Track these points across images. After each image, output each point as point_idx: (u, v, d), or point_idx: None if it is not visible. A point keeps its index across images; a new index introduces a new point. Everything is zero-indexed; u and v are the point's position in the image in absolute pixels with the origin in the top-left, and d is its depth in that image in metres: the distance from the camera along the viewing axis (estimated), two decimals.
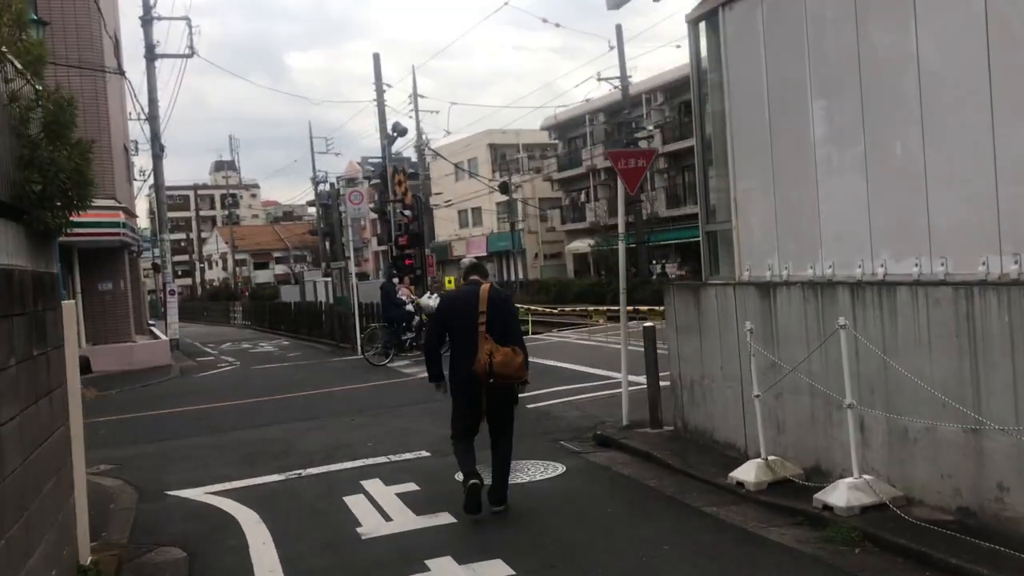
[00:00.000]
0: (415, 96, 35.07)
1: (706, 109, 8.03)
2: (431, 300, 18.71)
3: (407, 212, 21.38)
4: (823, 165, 6.46)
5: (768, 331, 6.90)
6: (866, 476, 5.80)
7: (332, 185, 66.96)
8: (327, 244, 67.91)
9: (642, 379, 10.57)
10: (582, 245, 48.95)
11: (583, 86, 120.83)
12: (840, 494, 5.73)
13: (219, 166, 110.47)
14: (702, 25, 7.89)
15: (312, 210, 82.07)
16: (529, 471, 7.80)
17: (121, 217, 20.12)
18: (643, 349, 9.42)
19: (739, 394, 7.42)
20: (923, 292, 5.45)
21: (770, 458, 6.69)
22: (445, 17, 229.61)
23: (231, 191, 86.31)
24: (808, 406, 6.59)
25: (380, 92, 25.97)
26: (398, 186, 21.23)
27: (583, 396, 11.48)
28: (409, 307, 18.15)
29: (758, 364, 6.74)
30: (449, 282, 21.00)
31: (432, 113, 56.60)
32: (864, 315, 5.93)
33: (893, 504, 5.54)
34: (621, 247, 9.28)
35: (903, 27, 5.57)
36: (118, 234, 20.16)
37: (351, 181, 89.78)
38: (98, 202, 19.29)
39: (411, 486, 7.52)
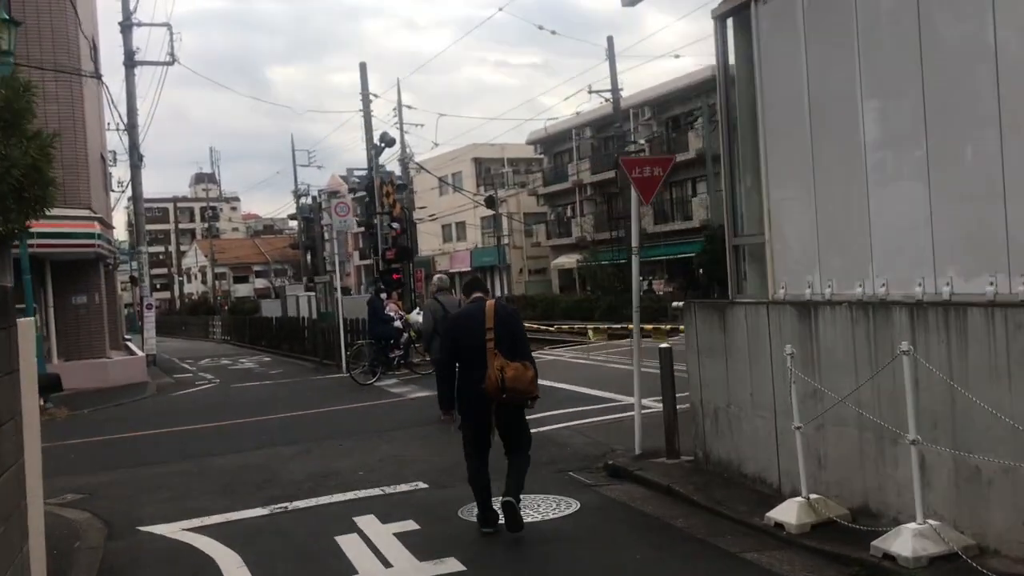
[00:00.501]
0: (399, 108, 34.43)
1: (733, 113, 7.39)
2: (420, 316, 18.01)
3: (395, 225, 20.66)
4: (875, 172, 5.83)
5: (808, 355, 6.25)
6: (931, 521, 5.14)
7: (314, 198, 66.21)
8: (308, 258, 67.08)
9: (650, 402, 9.94)
10: (568, 260, 48.38)
11: (573, 99, 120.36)
12: (904, 542, 5.06)
13: (199, 178, 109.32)
14: (730, 21, 7.27)
15: (293, 224, 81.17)
16: (540, 508, 7.09)
17: (96, 228, 19.30)
18: (657, 371, 8.77)
19: (772, 424, 6.76)
20: (1001, 314, 4.81)
21: (812, 497, 6.03)
22: (428, 34, 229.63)
23: (211, 204, 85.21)
24: (855, 439, 5.94)
25: (367, 101, 25.29)
26: (386, 198, 20.51)
27: (587, 420, 10.79)
28: (397, 323, 17.40)
29: (799, 392, 6.08)
30: None
31: (417, 126, 56.01)
32: (926, 339, 5.29)
33: (965, 554, 4.88)
34: (635, 262, 8.62)
35: (978, 14, 4.95)
36: (93, 245, 19.34)
37: (333, 194, 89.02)
38: (72, 212, 18.50)
39: (410, 524, 6.79)
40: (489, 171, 61.92)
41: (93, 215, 19.57)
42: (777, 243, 6.79)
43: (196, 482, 9.10)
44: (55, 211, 19.32)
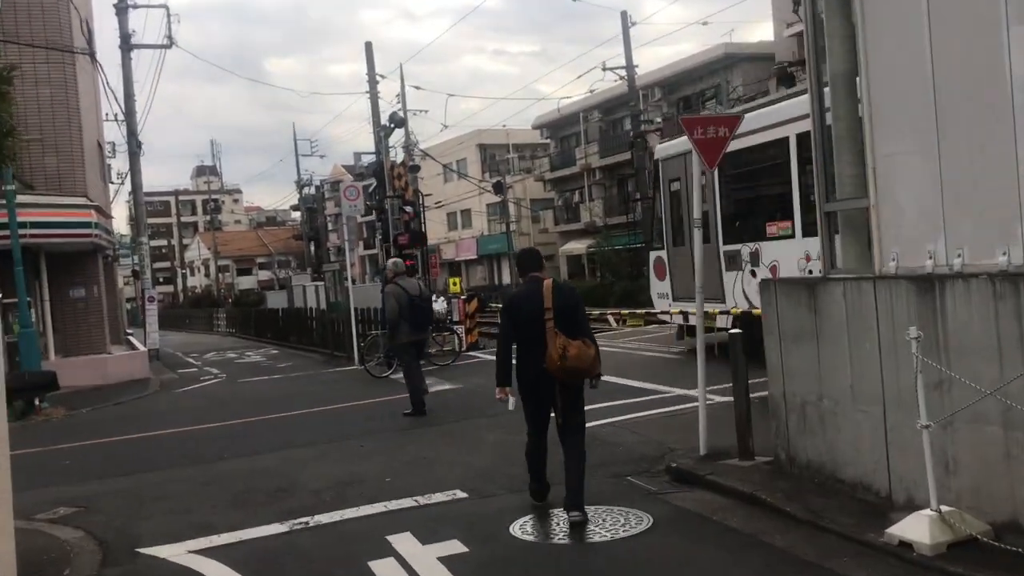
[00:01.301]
0: (403, 93, 33.25)
1: (822, 42, 6.31)
2: (438, 304, 16.99)
3: (408, 208, 19.60)
4: None
5: (930, 339, 5.20)
6: None
7: (317, 188, 65.22)
8: (312, 248, 66.11)
9: (695, 393, 8.95)
10: (578, 247, 47.30)
11: (573, 86, 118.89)
12: None
13: (201, 171, 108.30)
14: None
15: (296, 215, 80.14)
16: (606, 523, 6.07)
17: (93, 216, 18.27)
18: (677, 358, 7.74)
19: (879, 420, 5.73)
20: None
21: (944, 509, 5.00)
22: (426, 24, 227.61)
23: (213, 196, 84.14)
24: (1000, 440, 4.91)
25: (373, 83, 24.17)
26: (397, 180, 19.45)
27: (634, 415, 9.77)
28: None
29: (925, 383, 5.04)
30: (454, 284, 19.24)
31: (421, 112, 54.83)
32: None
33: None
34: (697, 237, 7.56)
35: None
36: (90, 235, 18.31)
37: (336, 184, 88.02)
38: (67, 200, 17.44)
39: (456, 545, 5.78)
40: (494, 157, 60.80)
41: (89, 203, 18.55)
42: (885, 207, 5.73)
43: (203, 491, 8.09)
44: (48, 199, 18.39)
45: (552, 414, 6.50)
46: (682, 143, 13.75)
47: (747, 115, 16.66)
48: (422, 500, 7.08)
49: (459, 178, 54.15)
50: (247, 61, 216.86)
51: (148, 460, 9.94)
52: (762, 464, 7.05)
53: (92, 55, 21.00)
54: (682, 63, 39.60)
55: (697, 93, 41.45)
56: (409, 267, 19.32)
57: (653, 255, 16.10)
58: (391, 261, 13.26)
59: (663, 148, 15.74)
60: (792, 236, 12.03)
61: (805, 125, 13.88)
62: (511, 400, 6.60)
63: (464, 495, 7.17)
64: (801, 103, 13.18)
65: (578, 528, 5.97)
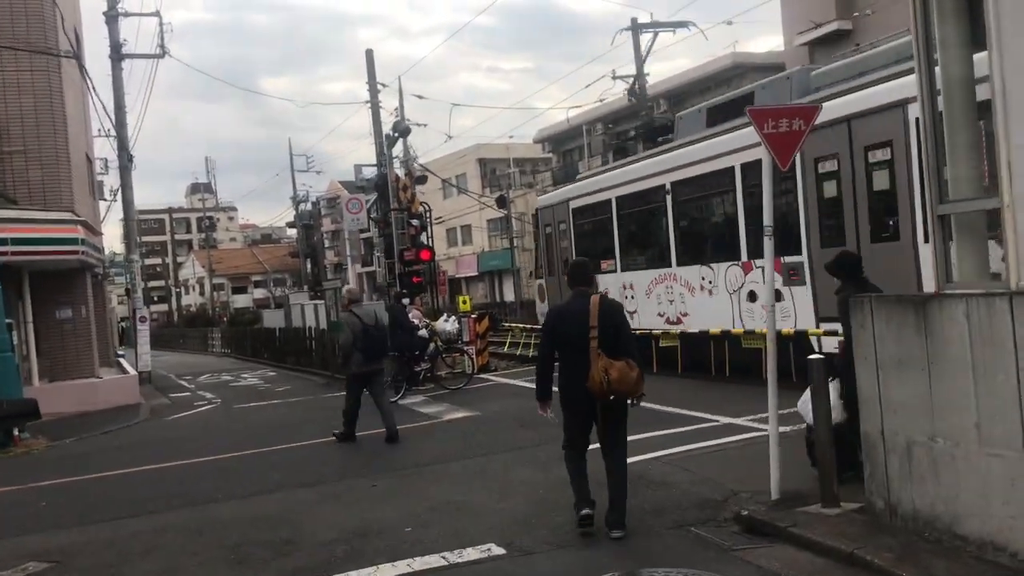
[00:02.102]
0: (401, 104, 32.31)
1: (931, 13, 5.31)
2: (448, 324, 15.97)
3: (414, 222, 18.54)
4: None
5: None
6: None
7: (314, 204, 64.33)
8: (309, 266, 65.13)
9: (743, 422, 7.88)
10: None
11: (593, 89, 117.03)
12: None
13: (195, 188, 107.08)
14: None
15: (292, 232, 79.19)
16: None
17: (79, 232, 17.21)
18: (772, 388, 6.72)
19: (1018, 466, 4.70)
20: None
21: None
22: (420, 42, 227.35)
23: (208, 214, 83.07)
24: None
25: (374, 91, 23.20)
26: (403, 192, 18.42)
27: (680, 449, 8.71)
28: (423, 332, 15.33)
29: None
30: (464, 302, 18.19)
31: (420, 126, 53.78)
32: None
33: None
34: (768, 247, 6.54)
35: None
36: (76, 252, 17.25)
37: (332, 201, 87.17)
38: (52, 215, 16.33)
39: None
40: (494, 172, 59.92)
41: (76, 218, 17.49)
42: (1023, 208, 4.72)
43: (195, 544, 7.01)
44: (32, 214, 17.32)
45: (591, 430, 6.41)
46: (555, 195, 18.52)
47: (583, 182, 17.96)
48: (452, 558, 6.03)
49: (459, 193, 53.19)
50: (242, 80, 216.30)
51: (133, 502, 8.85)
52: (852, 513, 6.00)
53: (80, 64, 20.00)
54: (689, 73, 38.79)
55: (703, 104, 40.56)
56: (417, 284, 18.41)
57: (538, 283, 19.68)
58: (346, 288, 13.29)
59: (542, 200, 19.10)
60: (615, 271, 16.02)
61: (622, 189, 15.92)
62: (552, 416, 6.50)
63: (501, 551, 6.11)
64: (624, 172, 15.98)
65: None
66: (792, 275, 11.59)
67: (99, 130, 37.06)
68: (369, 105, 23.11)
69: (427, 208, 19.45)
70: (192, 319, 71.70)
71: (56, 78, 18.62)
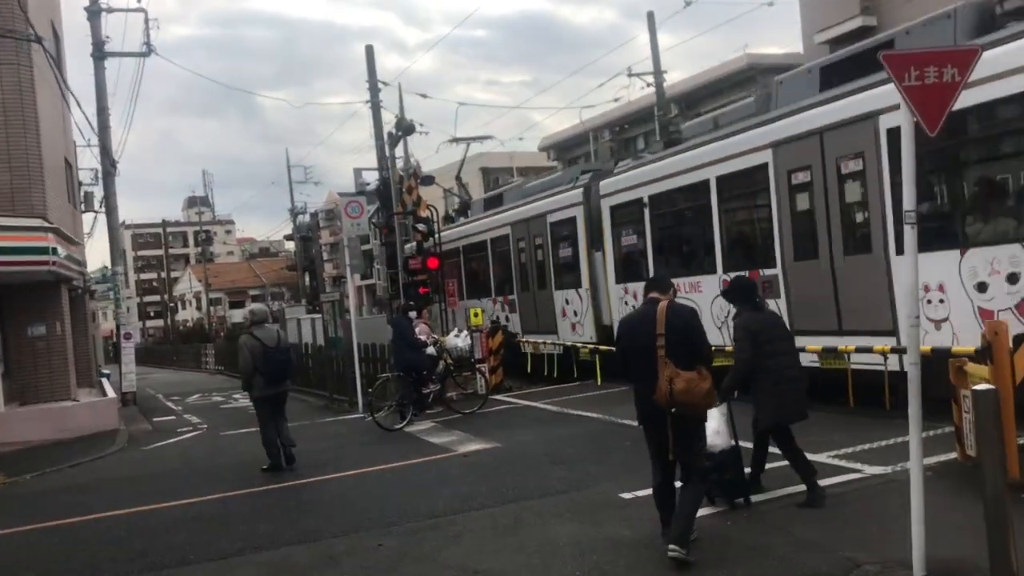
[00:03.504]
0: (401, 108, 30.61)
1: None
2: (460, 339, 14.31)
3: (420, 226, 16.87)
4: None
5: None
6: None
7: (312, 215, 62.83)
8: (307, 279, 63.46)
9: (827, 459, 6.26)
10: None
11: (608, 87, 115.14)
12: None
13: (192, 202, 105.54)
14: None
15: (289, 245, 77.55)
16: None
17: (50, 241, 15.55)
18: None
19: None
20: None
21: None
22: (416, 56, 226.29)
23: (204, 227, 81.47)
24: None
25: (374, 89, 21.60)
26: (408, 194, 16.77)
27: (762, 496, 7.02)
28: (430, 350, 13.66)
29: None
30: (476, 315, 16.51)
31: (421, 134, 52.27)
32: None
33: None
34: (910, 237, 4.88)
35: None
36: (46, 263, 15.57)
37: (330, 213, 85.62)
38: (17, 222, 14.62)
39: None
40: (497, 180, 58.32)
41: (47, 225, 15.83)
42: None
43: None
44: None
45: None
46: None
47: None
48: None
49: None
50: (237, 96, 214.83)
51: (84, 566, 7.17)
52: None
53: (51, 56, 18.36)
54: (702, 76, 37.21)
55: (716, 107, 39.05)
56: (423, 295, 16.76)
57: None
58: (248, 309, 12.13)
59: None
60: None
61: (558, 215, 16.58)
62: None
63: None
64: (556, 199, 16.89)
65: None
66: (766, 287, 11.30)
67: (88, 140, 35.51)
68: (369, 105, 21.52)
69: (435, 212, 17.83)
70: (187, 335, 69.97)
71: (27, 72, 16.98)
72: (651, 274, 13.37)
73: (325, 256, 70.70)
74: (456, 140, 21.13)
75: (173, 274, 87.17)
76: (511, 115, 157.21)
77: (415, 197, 16.70)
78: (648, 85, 26.49)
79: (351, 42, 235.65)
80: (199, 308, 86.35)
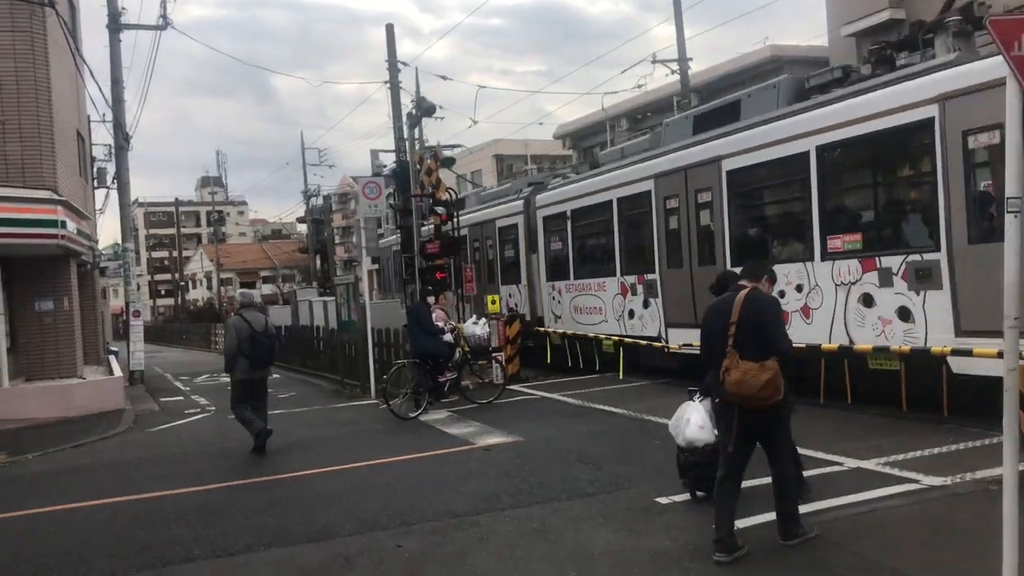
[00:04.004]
0: (417, 93, 30.01)
1: None
2: (479, 327, 13.81)
3: (439, 209, 16.34)
4: None
5: None
6: None
7: (326, 198, 62.46)
8: (319, 261, 63.10)
9: (879, 467, 5.70)
10: None
11: (626, 76, 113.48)
12: None
13: (205, 182, 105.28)
14: None
15: (302, 227, 77.19)
16: None
17: (59, 214, 15.14)
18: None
19: None
20: None
21: None
22: (431, 42, 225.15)
23: (217, 207, 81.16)
24: None
25: (394, 69, 21.04)
26: (427, 176, 16.23)
27: (816, 506, 6.47)
28: (448, 337, 13.17)
29: None
30: (493, 302, 16.02)
31: (438, 119, 51.52)
32: None
33: None
34: (1012, 227, 4.35)
35: None
36: (56, 236, 15.19)
37: (344, 196, 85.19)
38: (27, 193, 14.16)
39: None
40: (511, 168, 57.75)
41: (56, 198, 15.41)
42: None
43: None
44: (4, 191, 15.26)
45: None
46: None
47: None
48: None
49: (474, 189, 51.04)
50: (253, 76, 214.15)
51: (81, 556, 6.72)
52: None
53: (66, 25, 17.89)
54: (723, 67, 36.42)
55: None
56: (440, 281, 16.24)
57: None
58: (238, 292, 12.52)
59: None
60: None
61: (504, 221, 19.10)
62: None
63: None
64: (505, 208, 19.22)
65: None
66: (650, 290, 14.23)
67: (102, 116, 35.07)
68: (388, 86, 20.97)
69: (455, 195, 17.32)
70: (198, 314, 69.72)
71: (40, 41, 16.54)
72: (572, 276, 16.81)
73: (337, 239, 70.35)
74: (476, 122, 20.21)
75: (185, 253, 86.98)
76: (525, 103, 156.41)
77: (435, 179, 16.15)
78: (673, 72, 25.78)
79: (365, 27, 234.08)
80: (210, 288, 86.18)
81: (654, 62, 25.85)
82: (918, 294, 9.35)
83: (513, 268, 19.23)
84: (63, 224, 15.34)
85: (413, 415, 12.41)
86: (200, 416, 15.23)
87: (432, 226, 16.66)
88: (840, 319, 10.43)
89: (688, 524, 6.39)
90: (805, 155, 10.89)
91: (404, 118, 18.73)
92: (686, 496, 7.00)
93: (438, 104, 20.65)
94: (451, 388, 13.31)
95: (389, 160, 23.08)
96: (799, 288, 11.02)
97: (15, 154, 16.11)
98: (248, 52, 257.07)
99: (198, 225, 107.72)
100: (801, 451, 8.16)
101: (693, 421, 6.64)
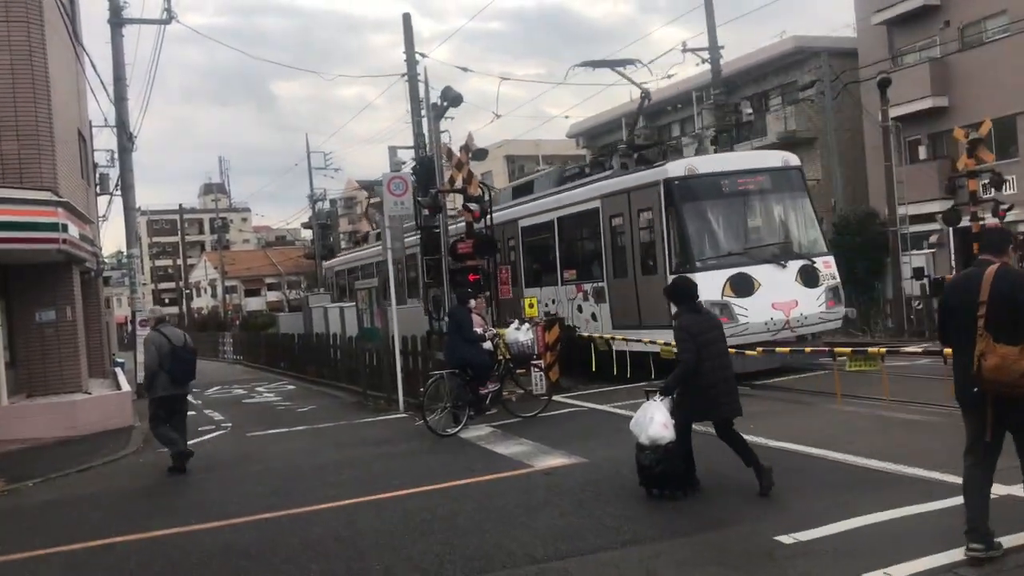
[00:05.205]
0: (426, 90, 28.82)
1: None
2: (522, 333, 12.63)
3: (472, 206, 15.17)
4: None
5: None
6: None
7: (332, 202, 61.40)
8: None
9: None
10: None
11: (659, 64, 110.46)
12: None
13: (208, 189, 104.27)
14: None
15: (306, 234, 76.08)
16: None
17: (60, 216, 13.97)
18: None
19: None
20: None
21: None
22: (431, 47, 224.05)
23: (220, 215, 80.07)
24: None
25: (411, 61, 19.92)
26: (457, 170, 15.07)
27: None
28: (488, 345, 12.00)
29: None
30: (530, 305, 14.86)
31: (448, 119, 50.38)
32: None
33: None
34: None
35: None
36: (56, 240, 14.00)
37: (350, 201, 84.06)
38: (25, 195, 12.92)
39: None
40: (522, 169, 56.66)
41: (56, 199, 14.26)
42: None
43: None
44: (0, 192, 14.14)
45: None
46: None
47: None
48: None
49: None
50: (254, 84, 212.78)
51: None
52: None
53: (70, 19, 16.77)
54: (745, 59, 35.28)
55: (759, 93, 37.23)
56: (474, 283, 15.04)
57: None
58: (148, 309, 12.60)
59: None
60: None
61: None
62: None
63: None
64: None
65: None
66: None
67: (105, 119, 33.97)
68: (407, 76, 19.82)
69: (488, 190, 16.19)
70: (204, 323, 68.59)
71: (38, 31, 15.40)
72: (521, 282, 19.19)
73: (343, 245, 69.19)
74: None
75: (188, 261, 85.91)
76: (529, 107, 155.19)
77: (466, 173, 14.98)
78: (704, 61, 24.60)
79: (366, 33, 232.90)
80: (214, 296, 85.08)
81: (684, 51, 24.64)
82: (597, 305, 16.06)
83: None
84: (64, 227, 14.18)
85: (452, 431, 11.24)
86: (216, 434, 14.05)
87: (466, 224, 15.45)
88: (569, 319, 16.78)
89: (831, 570, 5.22)
90: (551, 222, 17.85)
91: (428, 110, 17.50)
92: (816, 533, 5.85)
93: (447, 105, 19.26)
94: (492, 401, 12.12)
95: (408, 156, 21.94)
96: (553, 302, 17.71)
97: (11, 153, 14.97)
98: (247, 59, 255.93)
99: (201, 232, 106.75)
100: (899, 469, 7.02)
101: (657, 420, 6.93)
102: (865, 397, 11.00)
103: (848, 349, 10.74)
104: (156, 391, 10.44)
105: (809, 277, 14.33)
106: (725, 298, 13.50)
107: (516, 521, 6.92)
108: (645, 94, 18.30)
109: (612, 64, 18.46)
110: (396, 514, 7.51)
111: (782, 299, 13.76)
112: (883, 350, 9.86)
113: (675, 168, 14.51)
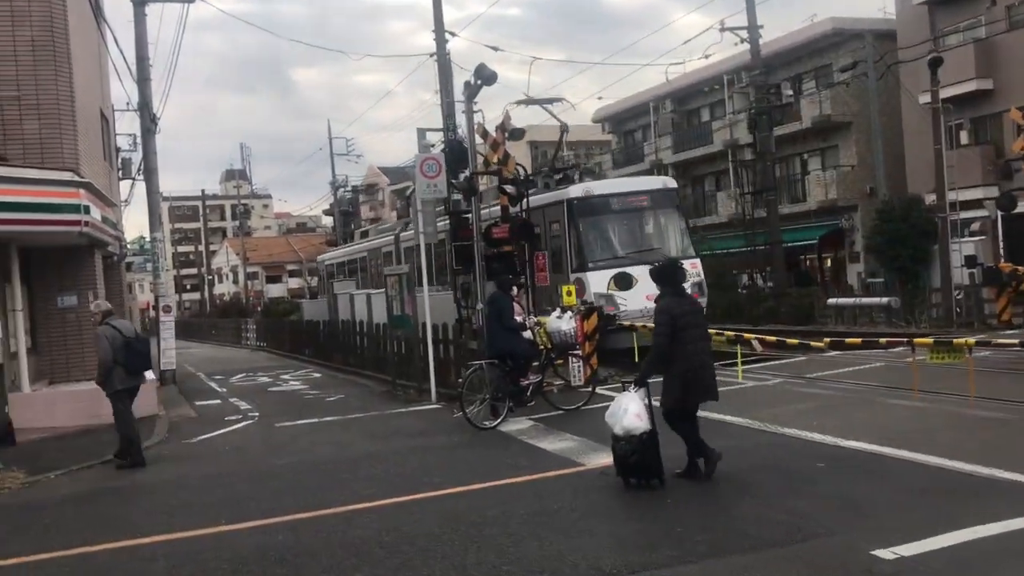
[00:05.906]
0: (449, 75, 28.12)
1: None
2: (564, 323, 12.03)
3: (508, 188, 14.55)
4: None
5: None
6: None
7: (354, 188, 60.96)
8: None
9: None
10: None
11: (696, 43, 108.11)
12: None
13: (230, 175, 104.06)
14: None
15: (327, 220, 75.77)
16: None
17: (82, 198, 13.46)
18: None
19: None
20: None
21: None
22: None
23: (242, 201, 79.84)
24: None
25: (441, 41, 19.31)
26: (493, 150, 14.44)
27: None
28: (528, 333, 11.40)
29: None
30: (568, 294, 14.26)
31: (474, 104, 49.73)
32: None
33: None
34: None
35: None
36: (77, 223, 13.50)
37: (371, 188, 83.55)
38: (46, 175, 12.24)
39: None
40: (546, 155, 55.93)
41: (78, 180, 13.75)
42: None
43: None
44: (19, 172, 13.61)
45: None
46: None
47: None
48: None
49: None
50: (274, 69, 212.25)
51: None
52: None
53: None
54: (779, 42, 34.31)
55: (791, 77, 36.31)
56: (514, 269, 14.40)
57: None
58: (93, 303, 12.11)
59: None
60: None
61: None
62: None
63: None
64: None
65: None
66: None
67: (127, 103, 33.51)
68: (437, 56, 19.18)
69: (524, 171, 15.57)
70: (225, 309, 68.43)
71: (59, 7, 14.90)
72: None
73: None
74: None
75: (210, 247, 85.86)
76: (549, 93, 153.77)
77: (502, 154, 14.36)
78: (743, 41, 23.81)
79: (385, 20, 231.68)
80: (236, 282, 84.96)
81: (722, 30, 23.89)
82: None
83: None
84: (86, 209, 13.67)
85: (492, 425, 10.66)
86: (243, 424, 13.53)
87: (501, 207, 14.82)
88: None
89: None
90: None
91: (462, 88, 16.85)
92: (918, 547, 5.23)
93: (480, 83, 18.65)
94: (532, 393, 11.52)
95: (437, 138, 21.31)
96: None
97: (32, 132, 14.51)
98: (268, 44, 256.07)
99: (223, 219, 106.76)
100: (944, 463, 6.37)
101: (631, 411, 7.08)
102: (945, 392, 10.33)
103: (929, 340, 10.02)
104: (114, 385, 10.27)
105: None
106: (610, 291, 16.83)
107: (576, 527, 6.33)
108: (564, 127, 19.97)
109: (541, 102, 21.41)
110: (441, 516, 6.92)
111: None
112: (971, 341, 9.13)
113: (575, 190, 18.20)
